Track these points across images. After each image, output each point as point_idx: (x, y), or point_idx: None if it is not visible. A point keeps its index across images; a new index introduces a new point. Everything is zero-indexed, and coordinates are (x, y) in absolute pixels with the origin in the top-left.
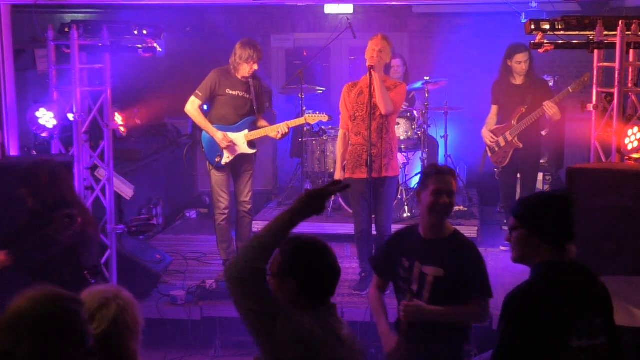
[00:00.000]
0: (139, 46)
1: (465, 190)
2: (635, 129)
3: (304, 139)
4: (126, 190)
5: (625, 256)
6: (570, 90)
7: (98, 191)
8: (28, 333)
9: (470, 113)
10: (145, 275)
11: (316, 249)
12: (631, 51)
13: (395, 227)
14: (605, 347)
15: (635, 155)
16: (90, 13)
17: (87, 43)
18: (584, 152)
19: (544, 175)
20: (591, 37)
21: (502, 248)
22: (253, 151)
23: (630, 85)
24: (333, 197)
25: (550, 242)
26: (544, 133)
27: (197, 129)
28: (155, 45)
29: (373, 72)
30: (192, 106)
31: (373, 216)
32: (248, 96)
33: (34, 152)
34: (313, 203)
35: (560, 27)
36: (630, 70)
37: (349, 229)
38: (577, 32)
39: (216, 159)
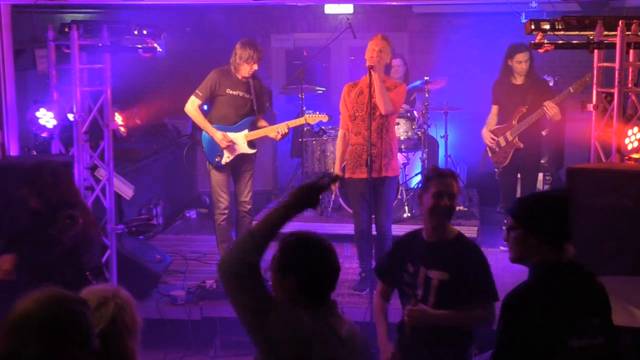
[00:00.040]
0: (139, 46)
1: (465, 190)
2: (635, 129)
3: (304, 139)
4: (126, 190)
5: (625, 256)
6: (572, 91)
7: (98, 191)
8: (34, 334)
9: (470, 113)
10: (145, 275)
11: (315, 246)
12: (631, 51)
13: (395, 227)
14: (604, 347)
15: (635, 155)
16: (90, 13)
17: (87, 43)
18: (584, 152)
19: (544, 175)
20: (591, 37)
21: (502, 248)
22: (253, 151)
23: (630, 85)
24: (333, 197)
25: (548, 242)
26: (544, 133)
27: (197, 129)
28: (155, 45)
29: (373, 72)
30: (192, 106)
31: (373, 216)
32: (248, 96)
33: (34, 152)
34: (307, 197)
35: (560, 27)
36: (630, 70)
37: (349, 229)
38: (577, 32)
39: (216, 159)
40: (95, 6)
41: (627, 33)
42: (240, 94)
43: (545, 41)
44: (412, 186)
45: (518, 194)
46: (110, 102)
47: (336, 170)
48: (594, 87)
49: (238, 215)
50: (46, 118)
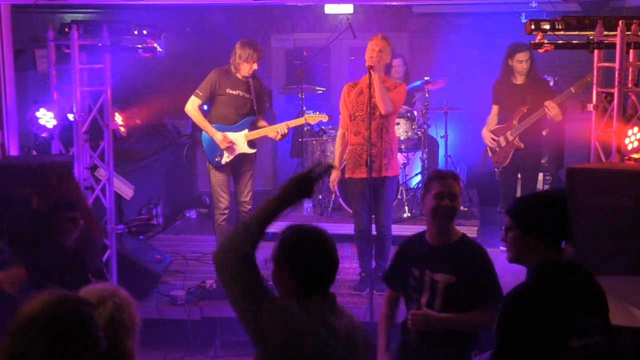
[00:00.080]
0: (139, 46)
1: (465, 190)
2: (635, 129)
3: (304, 139)
4: (126, 190)
5: (625, 256)
6: (573, 91)
7: (98, 191)
8: (40, 336)
9: (470, 113)
10: (145, 275)
11: (312, 238)
12: (631, 51)
13: (395, 227)
14: (604, 346)
15: (635, 155)
16: (90, 13)
17: (87, 43)
18: (584, 152)
19: (544, 175)
20: (591, 37)
21: (502, 248)
22: (253, 151)
23: (630, 85)
24: (333, 197)
25: (546, 242)
26: (544, 133)
27: (197, 128)
28: (155, 45)
29: (372, 72)
30: (192, 106)
31: (373, 216)
32: (248, 96)
33: (34, 152)
34: (299, 188)
35: (560, 27)
36: (630, 70)
37: (349, 229)
38: (577, 32)
39: (216, 159)
40: (95, 6)
41: (627, 33)
42: (240, 93)
43: (545, 41)
44: (412, 186)
45: (518, 194)
46: (110, 102)
47: (335, 171)
48: (594, 87)
49: (238, 215)
50: (46, 118)
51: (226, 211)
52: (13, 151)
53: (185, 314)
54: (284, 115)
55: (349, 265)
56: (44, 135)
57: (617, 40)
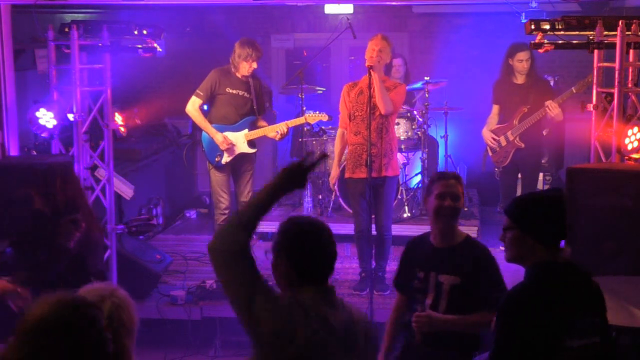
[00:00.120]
0: (139, 46)
1: (465, 190)
2: (635, 129)
3: (304, 139)
4: (126, 190)
5: (625, 256)
6: (574, 91)
7: (98, 191)
8: (47, 339)
9: (470, 113)
10: (145, 275)
11: (312, 229)
12: (631, 51)
13: (395, 227)
14: (604, 346)
15: (635, 155)
16: (90, 13)
17: (87, 43)
18: (584, 152)
19: (544, 175)
20: (591, 37)
21: (502, 248)
22: (253, 150)
23: (630, 85)
24: (333, 197)
25: (544, 242)
26: (545, 133)
27: (197, 128)
28: (155, 45)
29: (372, 72)
30: (193, 106)
31: (373, 216)
32: (248, 95)
33: (34, 152)
34: (292, 178)
35: (560, 27)
36: (630, 70)
37: (349, 229)
38: (577, 32)
39: (216, 158)
40: (95, 6)
41: (627, 33)
42: (240, 93)
43: (545, 41)
44: (412, 186)
45: (518, 194)
46: (110, 102)
47: (334, 168)
48: (594, 87)
49: None
50: (46, 118)
51: (226, 211)
52: (13, 151)
53: (185, 314)
54: (284, 115)
55: (349, 265)
56: (44, 135)
57: (617, 40)
